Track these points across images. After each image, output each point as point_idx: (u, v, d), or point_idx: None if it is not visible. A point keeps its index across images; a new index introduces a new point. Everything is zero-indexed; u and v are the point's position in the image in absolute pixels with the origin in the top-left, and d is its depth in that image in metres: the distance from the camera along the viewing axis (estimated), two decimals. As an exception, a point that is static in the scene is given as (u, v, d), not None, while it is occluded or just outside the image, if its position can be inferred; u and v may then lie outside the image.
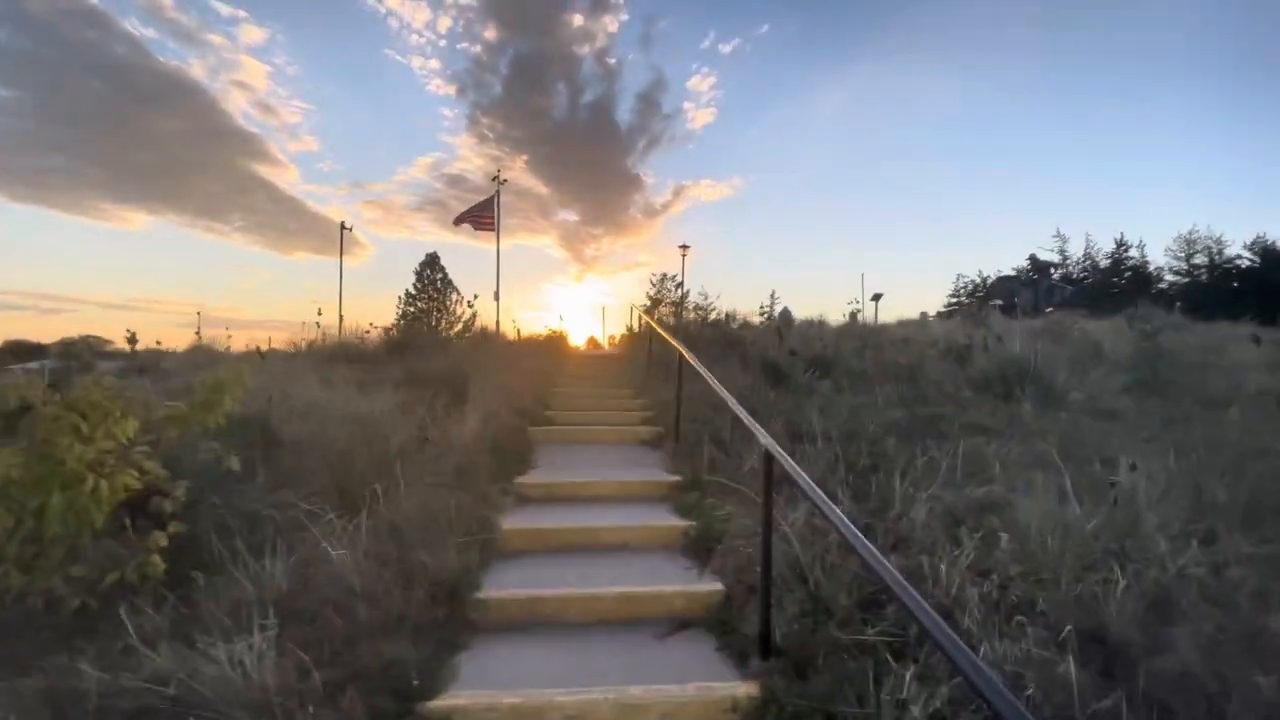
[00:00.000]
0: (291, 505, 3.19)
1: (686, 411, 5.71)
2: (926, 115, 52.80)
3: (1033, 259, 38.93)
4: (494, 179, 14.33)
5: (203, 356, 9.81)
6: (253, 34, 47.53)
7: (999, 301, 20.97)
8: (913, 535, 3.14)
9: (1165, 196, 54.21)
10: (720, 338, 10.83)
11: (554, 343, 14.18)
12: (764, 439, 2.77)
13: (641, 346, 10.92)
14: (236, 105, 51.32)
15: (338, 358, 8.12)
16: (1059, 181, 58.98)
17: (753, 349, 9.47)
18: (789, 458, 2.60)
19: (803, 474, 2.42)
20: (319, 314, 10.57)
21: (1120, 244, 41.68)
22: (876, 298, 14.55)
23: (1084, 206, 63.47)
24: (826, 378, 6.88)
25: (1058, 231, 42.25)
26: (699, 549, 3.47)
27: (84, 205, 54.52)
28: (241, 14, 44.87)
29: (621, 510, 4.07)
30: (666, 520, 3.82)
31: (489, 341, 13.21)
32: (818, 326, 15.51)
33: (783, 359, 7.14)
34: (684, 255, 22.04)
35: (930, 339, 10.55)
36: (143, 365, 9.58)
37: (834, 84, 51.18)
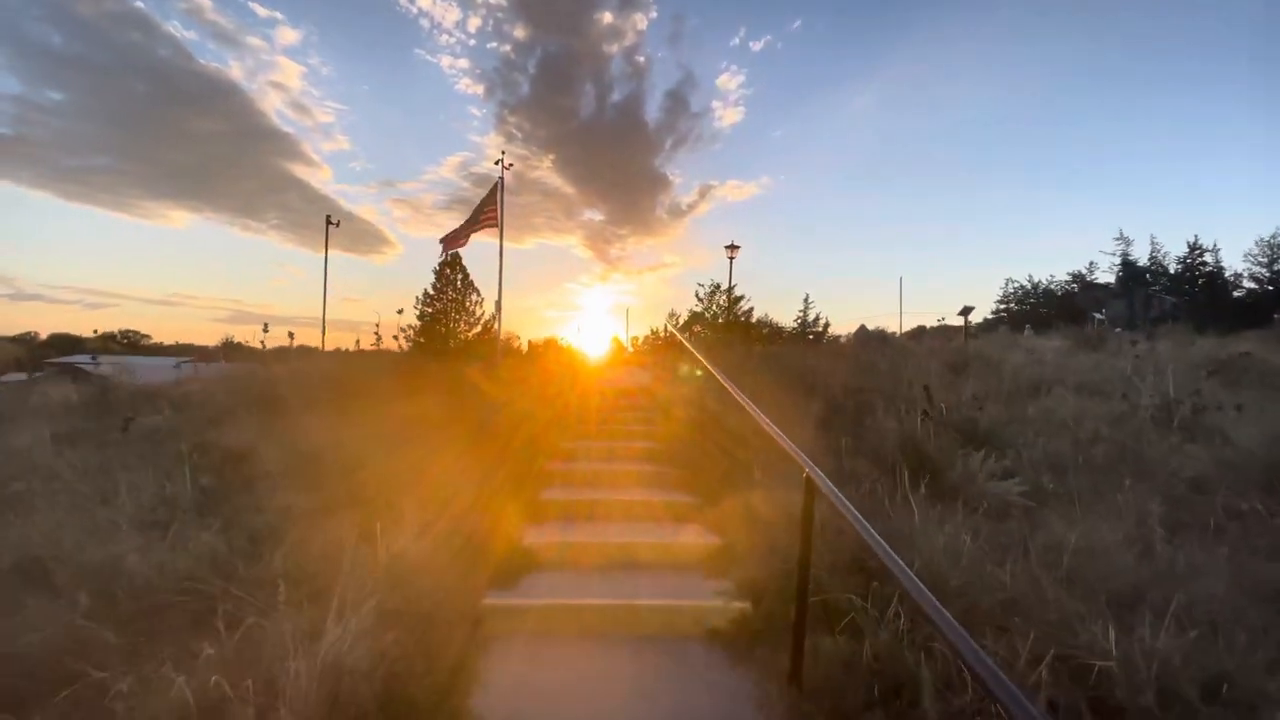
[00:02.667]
0: None
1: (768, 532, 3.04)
2: (961, 113, 49.37)
3: (1125, 265, 34.81)
4: (497, 162, 11.82)
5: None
6: (288, 35, 46.45)
7: (1099, 315, 17.84)
8: None
9: (1228, 199, 50.12)
10: (784, 364, 8.12)
11: (565, 366, 11.62)
12: None
13: (685, 383, 8.24)
14: (272, 105, 50.52)
15: (247, 407, 5.63)
16: (1106, 183, 55.03)
17: (838, 387, 6.77)
18: None
19: None
20: (265, 329, 8.15)
21: (1194, 247, 37.53)
22: (966, 311, 11.66)
23: (1131, 209, 59.21)
24: (1001, 466, 4.14)
25: (1120, 234, 38.26)
26: None
27: (127, 203, 54.05)
28: (278, 15, 43.73)
29: None
30: None
31: (487, 362, 10.70)
32: (882, 339, 12.73)
33: (928, 433, 4.39)
34: (731, 258, 18.44)
35: (1062, 371, 7.70)
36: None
37: (867, 81, 48.04)
